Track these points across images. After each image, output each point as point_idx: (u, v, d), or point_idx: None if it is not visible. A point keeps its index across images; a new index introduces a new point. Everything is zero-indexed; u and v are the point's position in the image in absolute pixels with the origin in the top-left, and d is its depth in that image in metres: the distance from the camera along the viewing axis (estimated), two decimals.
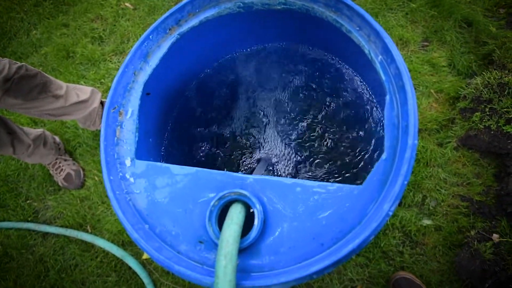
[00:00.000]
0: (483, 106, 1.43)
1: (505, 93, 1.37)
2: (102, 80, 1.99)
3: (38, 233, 1.78)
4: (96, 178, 1.81)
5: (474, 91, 1.47)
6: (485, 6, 1.78)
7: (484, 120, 1.42)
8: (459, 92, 1.56)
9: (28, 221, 1.80)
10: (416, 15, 1.81)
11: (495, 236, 1.32)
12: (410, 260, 1.43)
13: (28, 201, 1.86)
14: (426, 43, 1.76)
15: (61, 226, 1.75)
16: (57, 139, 1.83)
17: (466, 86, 1.55)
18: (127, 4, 2.16)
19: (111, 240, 1.67)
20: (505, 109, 1.36)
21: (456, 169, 1.52)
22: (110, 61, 2.05)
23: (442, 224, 1.45)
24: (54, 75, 2.03)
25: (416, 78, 1.68)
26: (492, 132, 1.39)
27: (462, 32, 1.74)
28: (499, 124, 1.37)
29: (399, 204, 1.52)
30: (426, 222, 1.47)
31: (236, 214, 0.65)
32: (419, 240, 1.46)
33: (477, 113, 1.44)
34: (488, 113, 1.41)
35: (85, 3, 2.22)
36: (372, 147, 1.06)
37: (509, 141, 1.35)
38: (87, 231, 1.71)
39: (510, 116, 1.34)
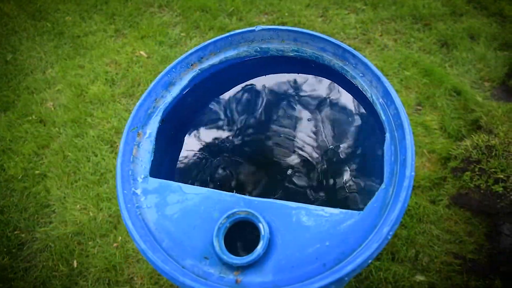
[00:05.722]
0: (472, 166, 1.51)
1: (493, 154, 1.46)
2: (109, 120, 2.07)
3: (20, 267, 1.72)
4: (91, 213, 1.80)
5: (464, 152, 1.57)
6: (471, 79, 1.95)
7: (474, 179, 1.49)
8: (450, 153, 1.65)
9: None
10: (410, 82, 1.97)
11: None
12: None
13: (15, 232, 1.82)
14: (419, 107, 1.89)
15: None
16: None
17: (457, 147, 1.64)
18: (142, 52, 2.32)
19: (97, 277, 1.62)
20: (493, 169, 1.43)
21: (448, 227, 1.56)
22: (119, 103, 2.14)
23: (436, 280, 1.45)
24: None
25: None
26: (482, 191, 1.46)
27: (452, 99, 1.89)
28: (488, 184, 1.44)
29: (392, 259, 1.52)
30: (419, 278, 1.46)
31: None
32: None
33: (467, 173, 1.52)
34: (477, 172, 1.49)
35: (102, 48, 2.38)
36: (370, 177, 1.10)
37: (498, 200, 1.41)
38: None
39: (498, 176, 1.41)
